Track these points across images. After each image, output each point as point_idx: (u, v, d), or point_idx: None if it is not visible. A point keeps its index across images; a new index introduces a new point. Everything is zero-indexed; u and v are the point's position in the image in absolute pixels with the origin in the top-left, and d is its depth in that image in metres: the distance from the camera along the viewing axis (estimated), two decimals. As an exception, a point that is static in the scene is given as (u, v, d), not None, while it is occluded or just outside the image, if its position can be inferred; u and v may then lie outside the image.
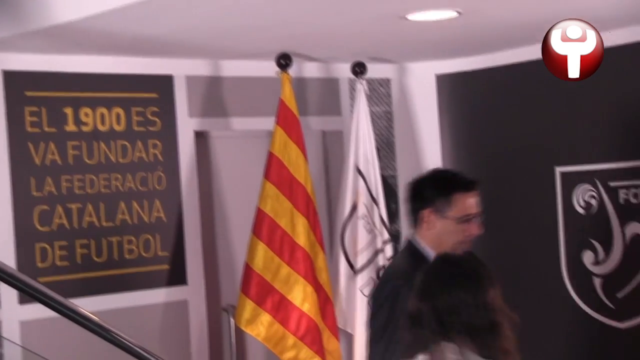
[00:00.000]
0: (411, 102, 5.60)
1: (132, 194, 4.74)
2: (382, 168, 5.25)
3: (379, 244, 5.09)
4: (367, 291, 5.00)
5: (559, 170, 5.01)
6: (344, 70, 5.29)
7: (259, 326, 4.63)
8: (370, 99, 5.30)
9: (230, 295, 4.91)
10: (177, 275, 4.83)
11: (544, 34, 3.11)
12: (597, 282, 4.85)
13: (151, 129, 4.82)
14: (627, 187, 4.72)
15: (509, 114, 5.27)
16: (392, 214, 5.35)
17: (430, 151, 5.58)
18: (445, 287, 2.66)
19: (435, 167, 3.55)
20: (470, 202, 3.34)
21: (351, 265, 5.05)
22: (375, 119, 5.32)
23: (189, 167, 4.90)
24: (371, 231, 5.08)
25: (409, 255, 3.38)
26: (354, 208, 5.08)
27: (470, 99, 5.46)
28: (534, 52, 5.02)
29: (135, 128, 4.77)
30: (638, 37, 4.62)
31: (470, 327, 2.60)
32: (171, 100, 4.87)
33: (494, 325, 2.61)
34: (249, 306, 4.63)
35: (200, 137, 5.03)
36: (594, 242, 4.86)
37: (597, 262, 4.85)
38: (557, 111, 5.02)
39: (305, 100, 5.24)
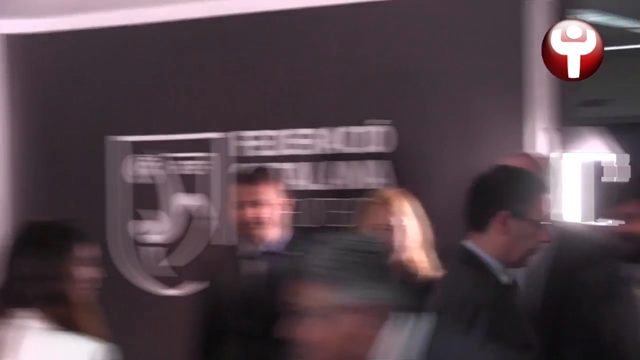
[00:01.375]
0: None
1: None
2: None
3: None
4: None
5: (110, 139, 5.02)
6: None
7: None
8: None
9: None
10: None
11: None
12: (148, 252, 4.91)
13: None
14: (177, 159, 4.85)
15: (72, 81, 5.18)
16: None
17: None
18: (19, 255, 2.61)
19: (501, 164, 3.07)
20: (547, 204, 2.95)
21: None
22: None
23: None
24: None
25: (471, 269, 2.86)
26: None
27: (39, 63, 5.27)
28: (98, 20, 5.01)
29: None
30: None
31: (42, 297, 2.55)
32: None
33: (65, 296, 2.57)
34: None
35: None
36: (144, 212, 4.92)
37: (146, 233, 4.92)
38: (115, 81, 5.02)
39: None
